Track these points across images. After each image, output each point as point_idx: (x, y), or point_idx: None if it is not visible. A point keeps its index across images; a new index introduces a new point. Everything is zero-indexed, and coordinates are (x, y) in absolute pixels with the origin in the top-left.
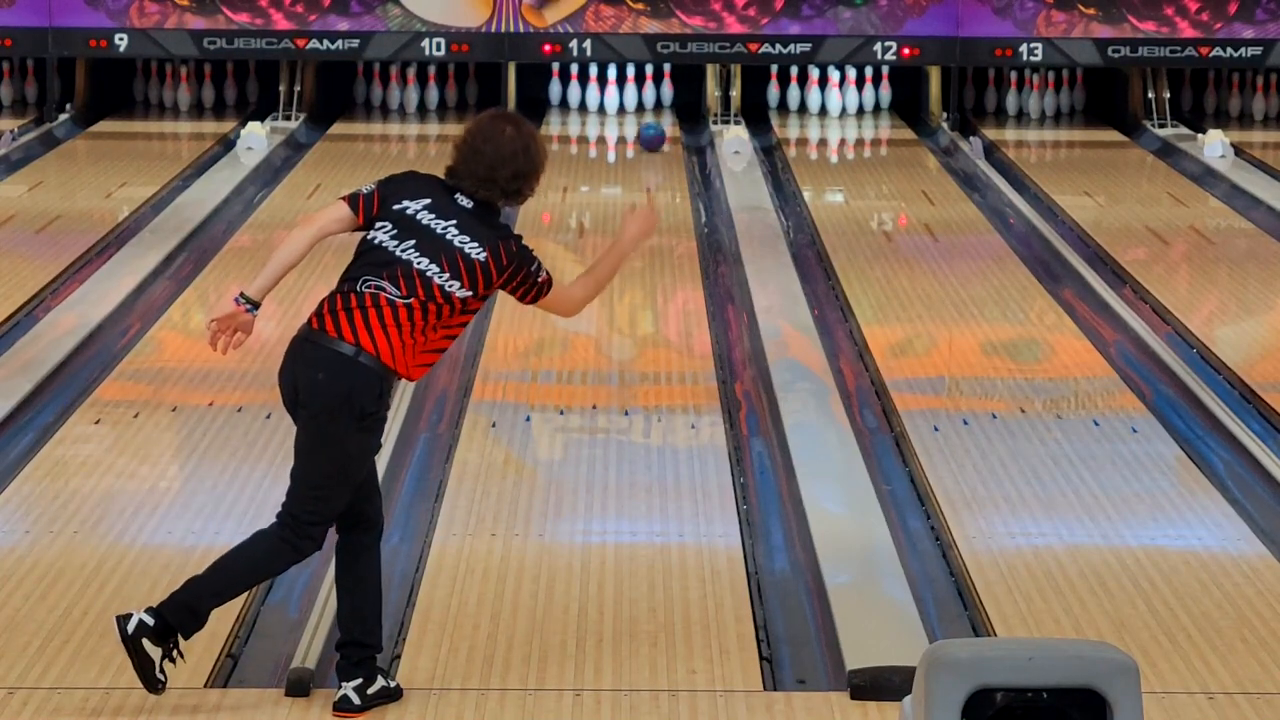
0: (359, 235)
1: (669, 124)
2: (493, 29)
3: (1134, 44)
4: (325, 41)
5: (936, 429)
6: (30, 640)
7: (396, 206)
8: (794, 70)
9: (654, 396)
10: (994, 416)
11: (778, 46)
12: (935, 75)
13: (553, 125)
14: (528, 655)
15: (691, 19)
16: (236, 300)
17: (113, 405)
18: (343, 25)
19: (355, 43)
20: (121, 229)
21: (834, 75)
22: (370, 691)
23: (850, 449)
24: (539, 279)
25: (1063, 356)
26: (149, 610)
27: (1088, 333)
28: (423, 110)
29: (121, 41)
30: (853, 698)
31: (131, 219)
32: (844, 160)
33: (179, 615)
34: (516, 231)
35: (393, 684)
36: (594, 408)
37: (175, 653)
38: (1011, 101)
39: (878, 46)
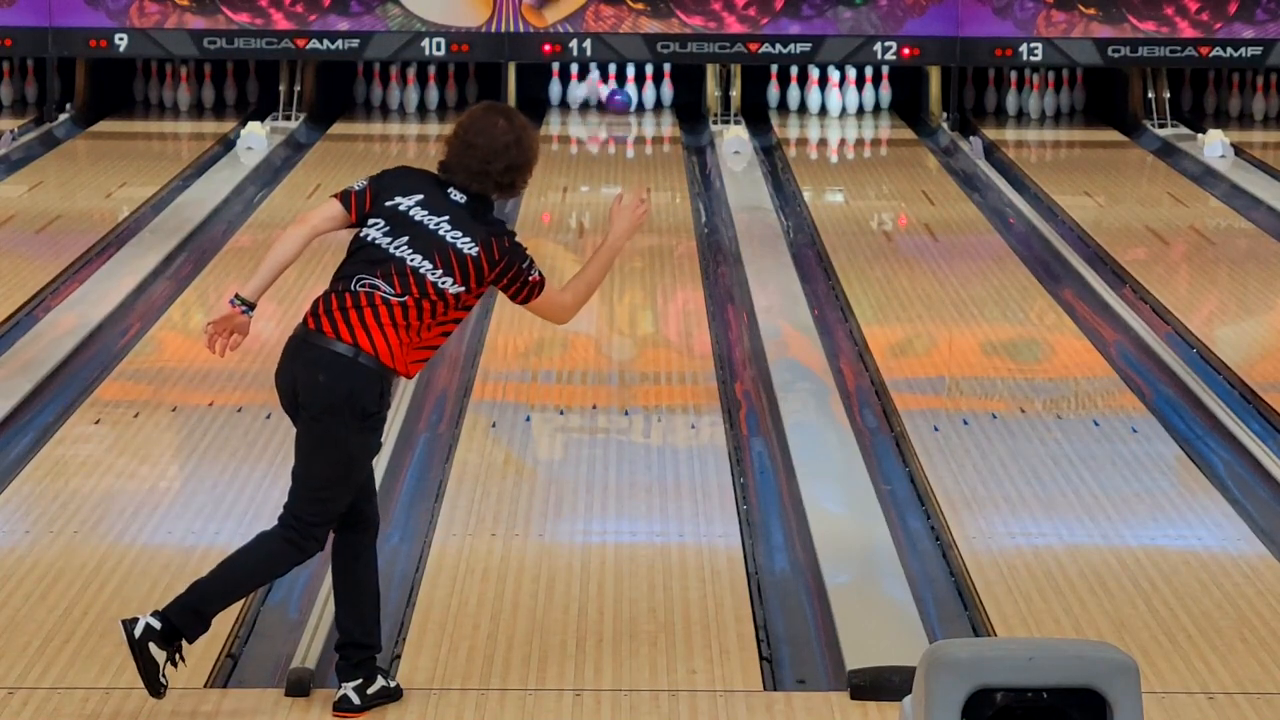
0: (354, 232)
1: (669, 124)
2: (493, 29)
3: (1134, 44)
4: (325, 41)
5: (936, 429)
6: (30, 640)
7: (389, 203)
8: (794, 70)
9: (654, 396)
10: (994, 416)
11: (778, 46)
12: (935, 75)
13: (553, 125)
14: (528, 655)
15: (691, 19)
16: (232, 302)
17: (113, 405)
18: (343, 25)
19: (355, 43)
20: (121, 229)
21: (834, 75)
22: (370, 691)
23: (850, 449)
24: (530, 278)
25: (1063, 356)
26: (155, 614)
27: (1088, 333)
28: (423, 110)
29: (121, 41)
30: (853, 698)
31: (131, 219)
32: (844, 160)
33: (184, 618)
34: (514, 229)
35: (392, 684)
36: (594, 408)
37: (178, 656)
38: (1011, 101)
39: (878, 46)
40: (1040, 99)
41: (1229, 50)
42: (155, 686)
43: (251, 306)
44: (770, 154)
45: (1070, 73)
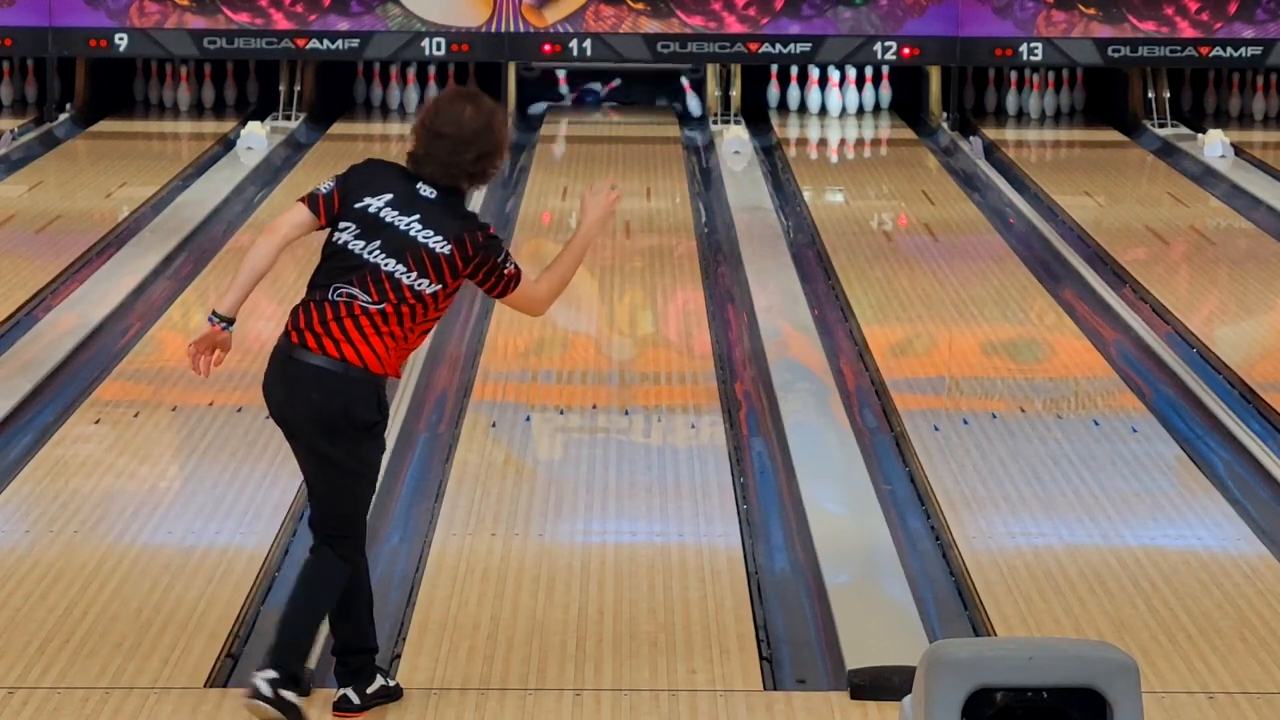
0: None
1: (669, 123)
2: (493, 29)
3: (1134, 44)
4: (325, 41)
5: (936, 429)
6: (30, 640)
7: (358, 205)
8: (794, 70)
9: (654, 396)
10: (994, 416)
11: (778, 46)
12: (935, 75)
13: (552, 125)
14: (528, 655)
15: (691, 19)
16: (210, 320)
17: (113, 405)
18: (343, 25)
19: (355, 42)
20: (121, 229)
21: (834, 75)
22: (369, 691)
23: (850, 449)
24: (505, 271)
25: (1063, 356)
26: (261, 671)
27: (1088, 333)
28: None
29: (121, 41)
30: (853, 698)
31: (131, 219)
32: (844, 160)
33: (292, 659)
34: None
35: (392, 683)
36: (594, 408)
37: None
38: (1011, 101)
39: (878, 46)
40: (1040, 99)
41: (1229, 50)
42: None
43: (230, 322)
44: (770, 154)
45: (1070, 73)
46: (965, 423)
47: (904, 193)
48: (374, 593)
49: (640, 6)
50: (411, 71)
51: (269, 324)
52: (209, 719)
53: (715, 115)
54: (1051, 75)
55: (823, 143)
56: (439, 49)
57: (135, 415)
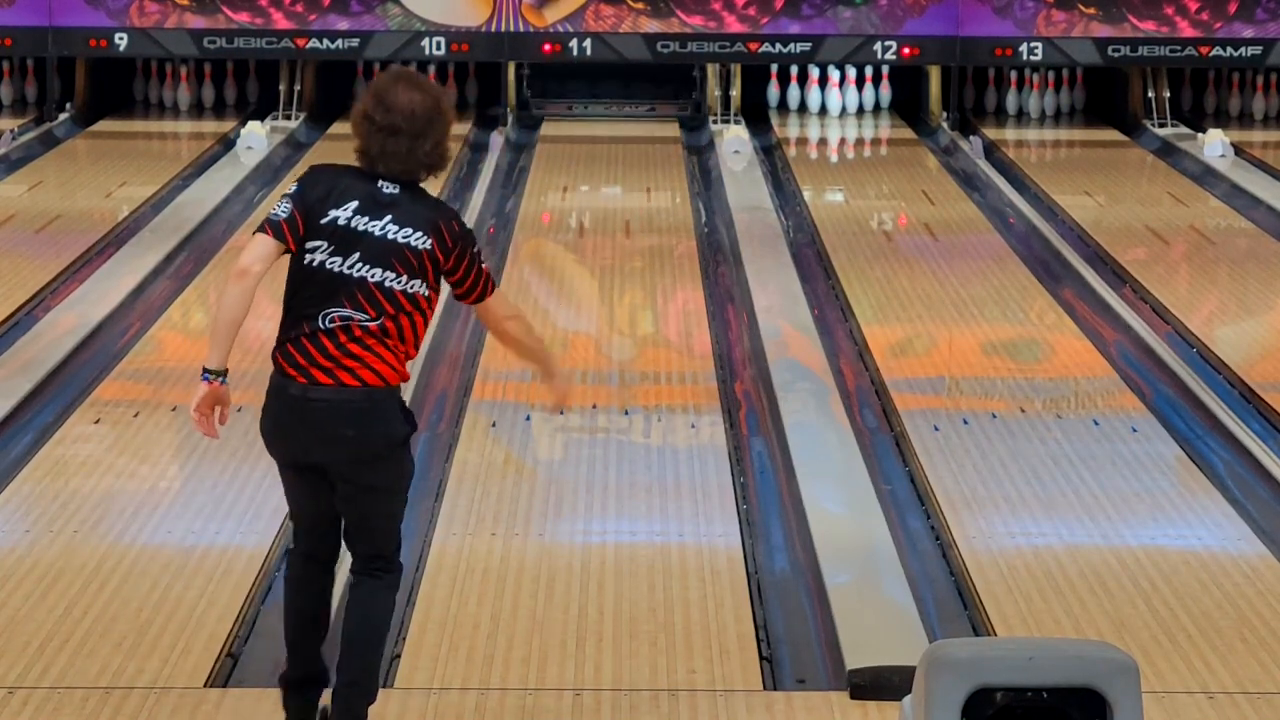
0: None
1: (669, 123)
2: (493, 28)
3: (1134, 43)
4: (325, 41)
5: (936, 429)
6: (30, 640)
7: (324, 220)
8: (794, 70)
9: (654, 396)
10: (994, 416)
11: (778, 46)
12: (935, 75)
13: (552, 125)
14: (528, 655)
15: (691, 18)
16: (204, 378)
17: (113, 405)
18: (343, 25)
19: (355, 42)
20: (121, 229)
21: (834, 75)
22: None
23: (850, 449)
24: (482, 267)
25: (1063, 356)
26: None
27: (1088, 333)
28: None
29: (121, 41)
30: (853, 697)
31: (131, 219)
32: (844, 160)
33: (362, 698)
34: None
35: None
36: (594, 408)
37: None
38: (1011, 101)
39: (878, 46)
40: (1040, 99)
41: (1229, 50)
42: None
43: (224, 374)
44: (770, 154)
45: (1070, 72)
46: (965, 423)
47: (904, 193)
48: None
49: (640, 6)
50: None
51: (269, 323)
52: (209, 719)
53: (715, 115)
54: (1051, 75)
55: (823, 142)
56: (439, 49)
57: (135, 415)
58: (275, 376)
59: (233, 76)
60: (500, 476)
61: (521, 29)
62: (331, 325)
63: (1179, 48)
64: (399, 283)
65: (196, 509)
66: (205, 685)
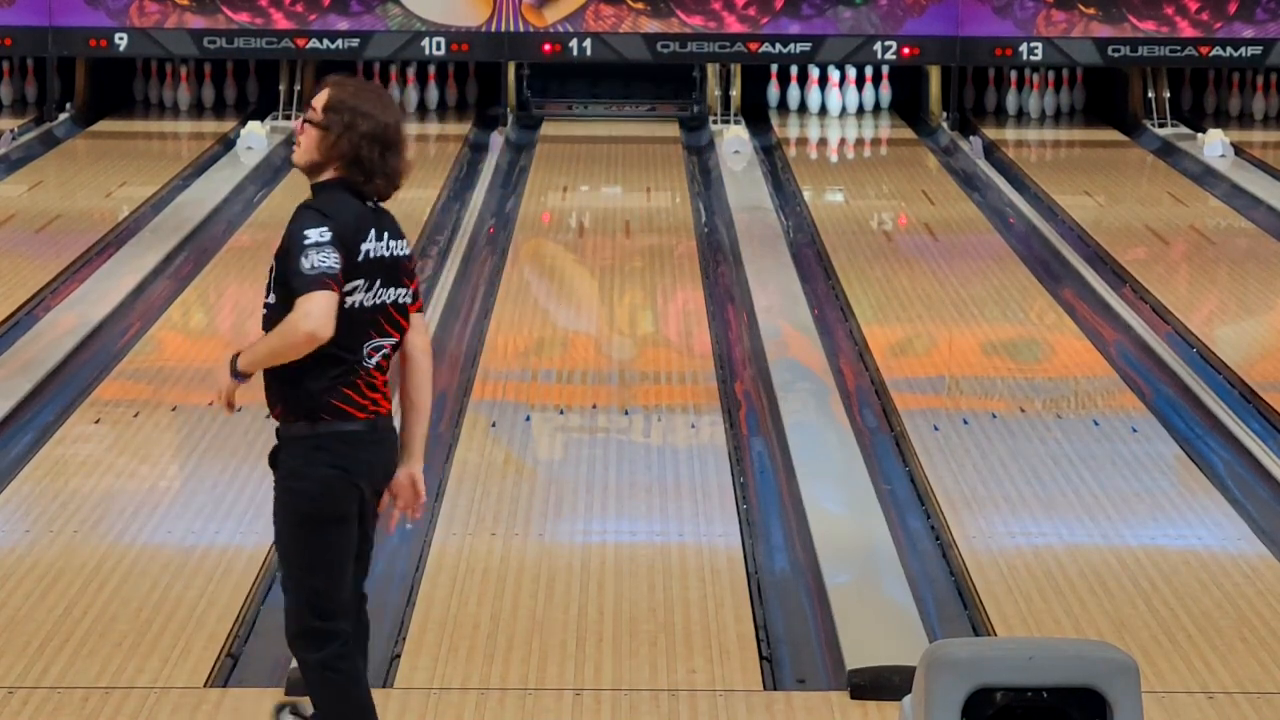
0: None
1: (669, 123)
2: (493, 28)
3: (1134, 44)
4: (325, 41)
5: (936, 429)
6: (30, 640)
7: (360, 257)
8: (794, 70)
9: (654, 396)
10: (994, 416)
11: (778, 46)
12: (935, 75)
13: (552, 125)
14: (528, 655)
15: (691, 19)
16: (236, 378)
17: (113, 405)
18: (343, 25)
19: (355, 42)
20: (121, 229)
21: (834, 75)
22: None
23: (850, 449)
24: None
25: (1063, 356)
26: None
27: (1088, 333)
28: (423, 110)
29: (121, 41)
30: (853, 697)
31: (131, 219)
32: (844, 160)
33: None
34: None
35: None
36: (594, 408)
37: None
38: (1011, 101)
39: (878, 46)
40: (1040, 99)
41: (1229, 50)
42: None
43: (248, 377)
44: (770, 154)
45: (1070, 72)
46: (965, 423)
47: (904, 192)
48: (376, 591)
49: (640, 6)
50: (411, 71)
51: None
52: (209, 719)
53: (715, 115)
54: (1051, 75)
55: (823, 142)
56: (439, 49)
57: (135, 415)
58: (329, 421)
59: (233, 76)
60: (500, 476)
61: (521, 29)
62: (372, 359)
63: (1179, 48)
64: (406, 296)
65: (196, 509)
66: (205, 685)
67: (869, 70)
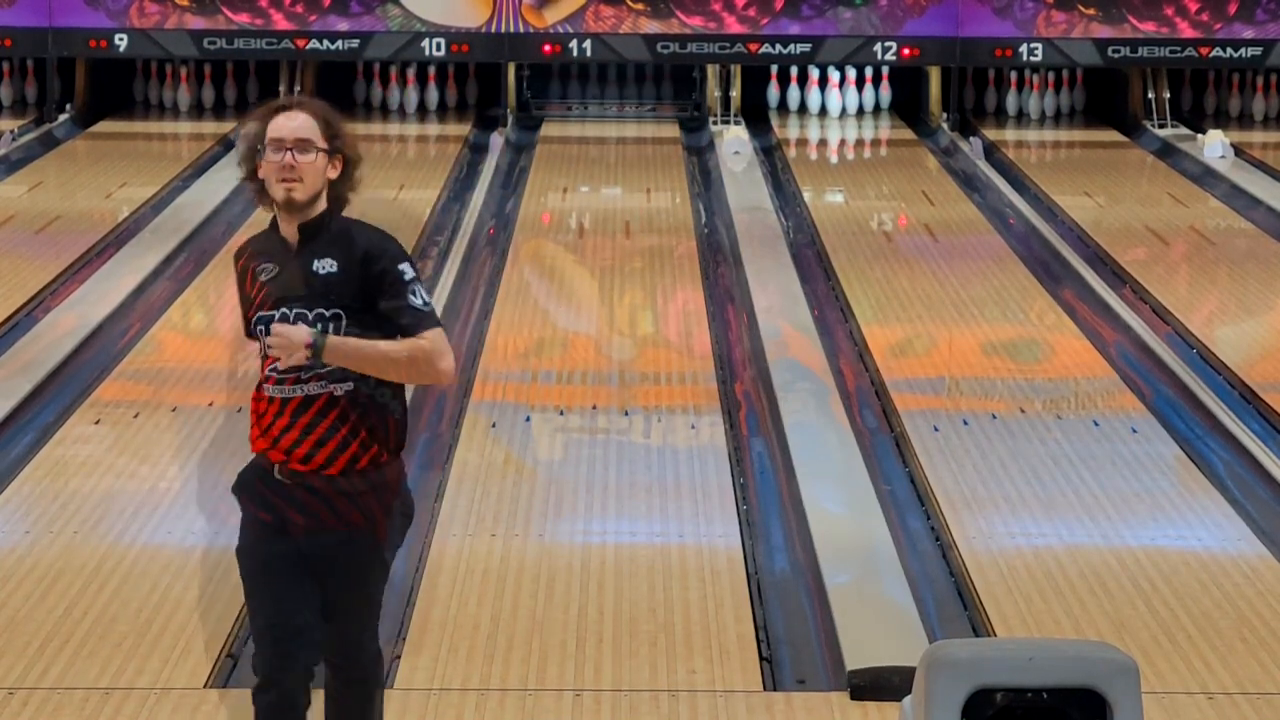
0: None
1: (669, 123)
2: (493, 29)
3: (1134, 44)
4: (325, 42)
5: (936, 429)
6: (30, 640)
7: None
8: (794, 70)
9: (654, 396)
10: (994, 416)
11: (778, 47)
12: (935, 75)
13: (552, 125)
14: (528, 655)
15: (691, 19)
16: (311, 347)
17: (113, 405)
18: (343, 25)
19: (355, 43)
20: (121, 229)
21: (834, 75)
22: None
23: (850, 449)
24: None
25: (1063, 356)
26: None
27: (1088, 333)
28: (423, 110)
29: (121, 41)
30: (853, 698)
31: (131, 219)
32: (844, 160)
33: None
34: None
35: None
36: (594, 408)
37: None
38: (1011, 102)
39: (878, 47)
40: (1040, 99)
41: (1229, 50)
42: None
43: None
44: (770, 154)
45: (1070, 73)
46: (965, 423)
47: (904, 193)
48: None
49: (640, 7)
50: (411, 72)
51: None
52: (209, 719)
53: (715, 115)
54: (1051, 75)
55: (823, 143)
56: (439, 49)
57: (135, 415)
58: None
59: (233, 77)
60: (500, 477)
61: (521, 29)
62: None
63: (1179, 48)
64: None
65: (196, 509)
66: (205, 686)
67: (869, 71)
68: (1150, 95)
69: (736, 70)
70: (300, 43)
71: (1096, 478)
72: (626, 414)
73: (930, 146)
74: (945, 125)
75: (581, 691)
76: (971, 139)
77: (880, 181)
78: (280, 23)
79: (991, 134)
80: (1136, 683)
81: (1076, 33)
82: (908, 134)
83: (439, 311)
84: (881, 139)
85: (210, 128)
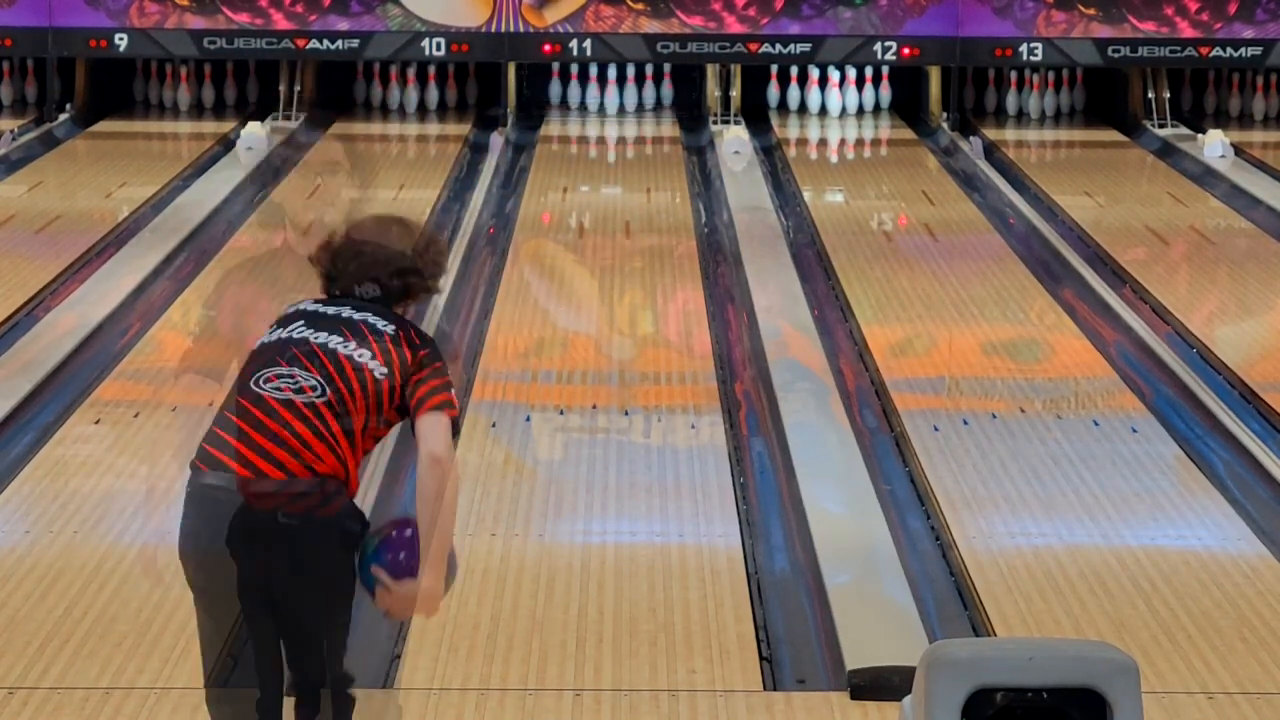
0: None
1: (669, 123)
2: (493, 29)
3: (1134, 44)
4: (325, 41)
5: (936, 429)
6: (30, 640)
7: None
8: (794, 70)
9: (654, 396)
10: (994, 416)
11: (778, 46)
12: (935, 75)
13: (552, 125)
14: (528, 655)
15: (691, 19)
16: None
17: (113, 405)
18: (343, 25)
19: (355, 43)
20: (121, 229)
21: (834, 75)
22: None
23: (850, 449)
24: None
25: (1063, 356)
26: None
27: (1088, 333)
28: (423, 110)
29: (121, 41)
30: (853, 698)
31: (131, 219)
32: (844, 160)
33: None
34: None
35: None
36: (594, 408)
37: None
38: (1011, 101)
39: (878, 46)
40: (1040, 99)
41: (1229, 50)
42: None
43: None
44: (770, 154)
45: (1070, 73)
46: (965, 423)
47: (904, 193)
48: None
49: (640, 6)
50: (411, 72)
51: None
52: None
53: (715, 115)
54: (1051, 75)
55: (823, 143)
56: (439, 49)
57: (135, 415)
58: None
59: (232, 77)
60: (500, 477)
61: (521, 29)
62: None
63: (1179, 48)
64: None
65: None
66: (205, 685)
67: (869, 71)
68: (1150, 95)
69: (736, 70)
70: (300, 42)
71: (1096, 478)
72: (626, 414)
73: (930, 146)
74: (945, 125)
75: (581, 691)
76: (971, 139)
77: (880, 181)
78: (280, 22)
79: (991, 134)
80: (1136, 683)
81: (1076, 32)
82: (908, 134)
83: (439, 312)
84: (881, 139)
85: (210, 127)
